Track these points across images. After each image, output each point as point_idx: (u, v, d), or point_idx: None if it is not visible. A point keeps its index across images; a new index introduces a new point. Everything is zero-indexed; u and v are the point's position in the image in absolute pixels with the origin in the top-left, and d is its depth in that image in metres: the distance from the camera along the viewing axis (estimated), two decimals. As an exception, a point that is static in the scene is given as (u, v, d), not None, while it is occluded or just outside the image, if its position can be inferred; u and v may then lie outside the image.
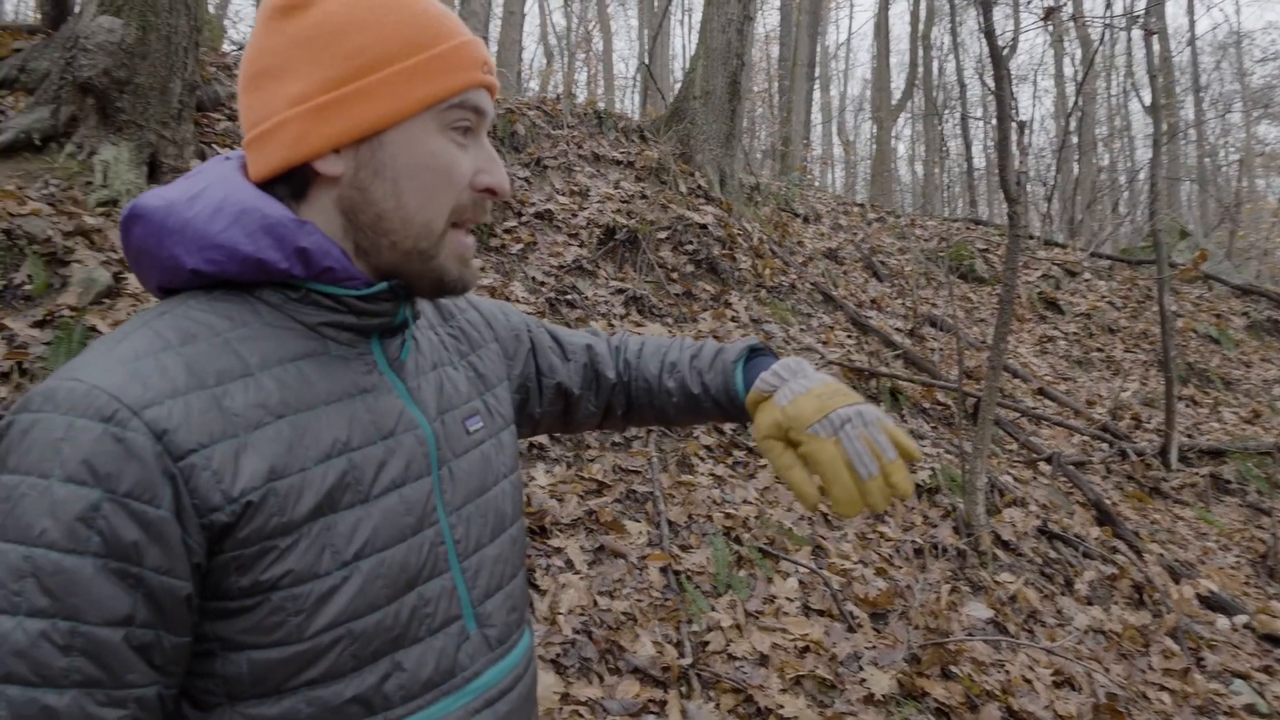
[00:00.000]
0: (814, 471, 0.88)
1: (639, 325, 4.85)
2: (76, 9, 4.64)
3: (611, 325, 4.73)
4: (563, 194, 5.84)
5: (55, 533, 0.61)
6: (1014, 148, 3.79)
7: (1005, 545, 4.06)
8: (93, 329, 3.09)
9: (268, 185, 0.77)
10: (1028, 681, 3.12)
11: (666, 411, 1.10)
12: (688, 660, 2.76)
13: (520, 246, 5.07)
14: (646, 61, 13.52)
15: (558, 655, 2.65)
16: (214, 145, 4.45)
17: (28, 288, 3.20)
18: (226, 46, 7.63)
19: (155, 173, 3.94)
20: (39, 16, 5.19)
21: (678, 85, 7.66)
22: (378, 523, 0.74)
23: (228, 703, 0.70)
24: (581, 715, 2.45)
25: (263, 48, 0.76)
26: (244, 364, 0.71)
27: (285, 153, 0.74)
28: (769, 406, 0.94)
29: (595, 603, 2.91)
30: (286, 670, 0.70)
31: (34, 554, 0.61)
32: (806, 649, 2.97)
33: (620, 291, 5.11)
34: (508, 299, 4.51)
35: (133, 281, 3.37)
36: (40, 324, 3.09)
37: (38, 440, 0.63)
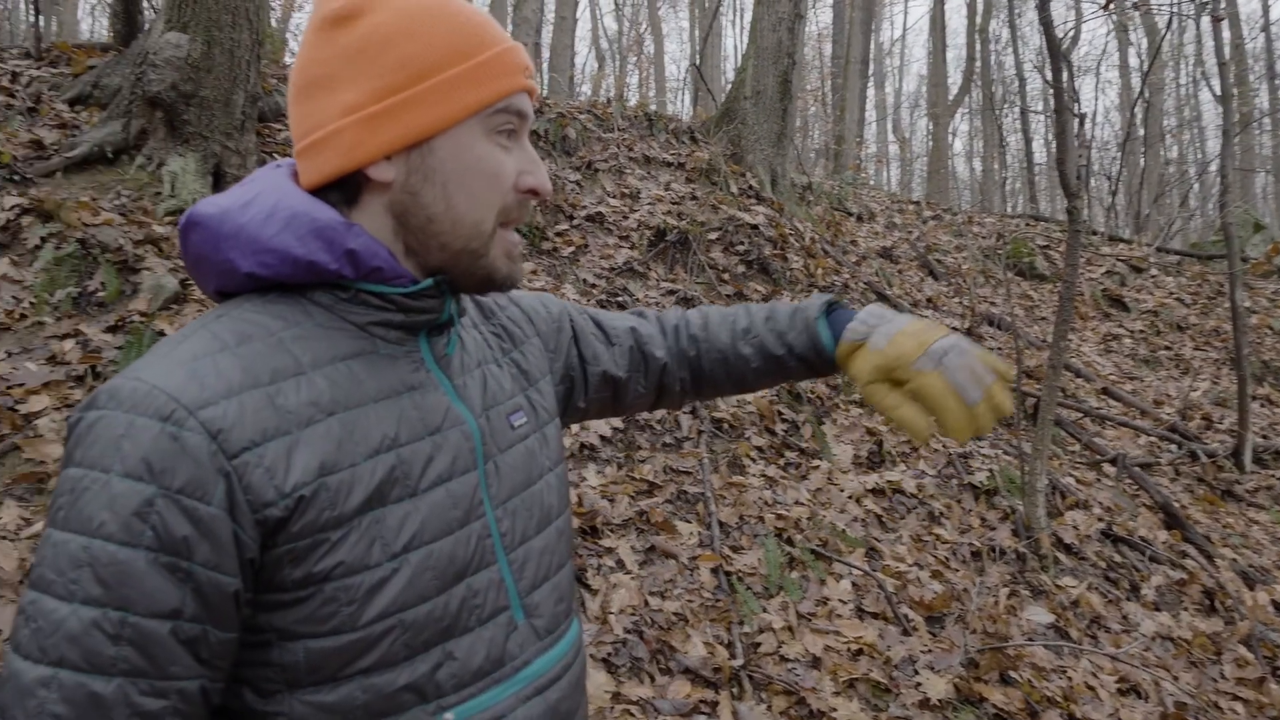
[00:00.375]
0: (922, 404, 0.95)
1: (690, 326, 4.85)
2: (146, 26, 4.83)
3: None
4: (614, 196, 5.87)
5: (112, 525, 0.64)
6: (1073, 141, 3.69)
7: (1067, 549, 3.95)
8: (161, 333, 3.21)
9: (320, 192, 0.79)
10: (1091, 689, 3.04)
11: (745, 378, 1.12)
12: (739, 661, 2.75)
13: (571, 249, 5.11)
14: (696, 63, 13.50)
15: (609, 654, 2.67)
16: (275, 154, 4.58)
17: (101, 294, 3.34)
18: (288, 59, 7.84)
19: (219, 182, 4.08)
20: (112, 35, 5.41)
21: (729, 86, 7.64)
22: (425, 516, 0.76)
23: (287, 690, 0.73)
24: (633, 715, 2.46)
25: (314, 58, 0.78)
26: (297, 363, 0.73)
27: (339, 160, 0.76)
28: (864, 353, 0.99)
29: (646, 603, 2.92)
30: (341, 659, 0.72)
31: (92, 545, 0.64)
32: (860, 652, 2.94)
33: (671, 293, 5.11)
34: (559, 301, 4.55)
35: (197, 287, 3.49)
36: (112, 329, 3.22)
37: (101, 436, 0.66)
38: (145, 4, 5.42)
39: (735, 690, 2.67)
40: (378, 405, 0.76)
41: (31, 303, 3.22)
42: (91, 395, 0.69)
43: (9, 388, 2.88)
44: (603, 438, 3.73)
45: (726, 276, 5.50)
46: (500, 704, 0.80)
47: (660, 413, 4.01)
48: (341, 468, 0.72)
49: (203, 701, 0.69)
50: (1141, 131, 15.30)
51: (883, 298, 6.33)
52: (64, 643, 0.63)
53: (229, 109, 4.11)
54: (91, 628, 0.63)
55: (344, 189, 0.79)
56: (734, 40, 28.74)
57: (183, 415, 0.66)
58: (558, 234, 5.21)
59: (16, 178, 3.72)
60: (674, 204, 5.89)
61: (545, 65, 14.89)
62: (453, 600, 0.77)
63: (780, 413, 4.33)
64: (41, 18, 5.07)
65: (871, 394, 0.97)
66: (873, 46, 21.70)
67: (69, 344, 3.09)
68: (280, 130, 4.84)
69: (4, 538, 2.41)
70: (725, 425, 4.09)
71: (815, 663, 2.85)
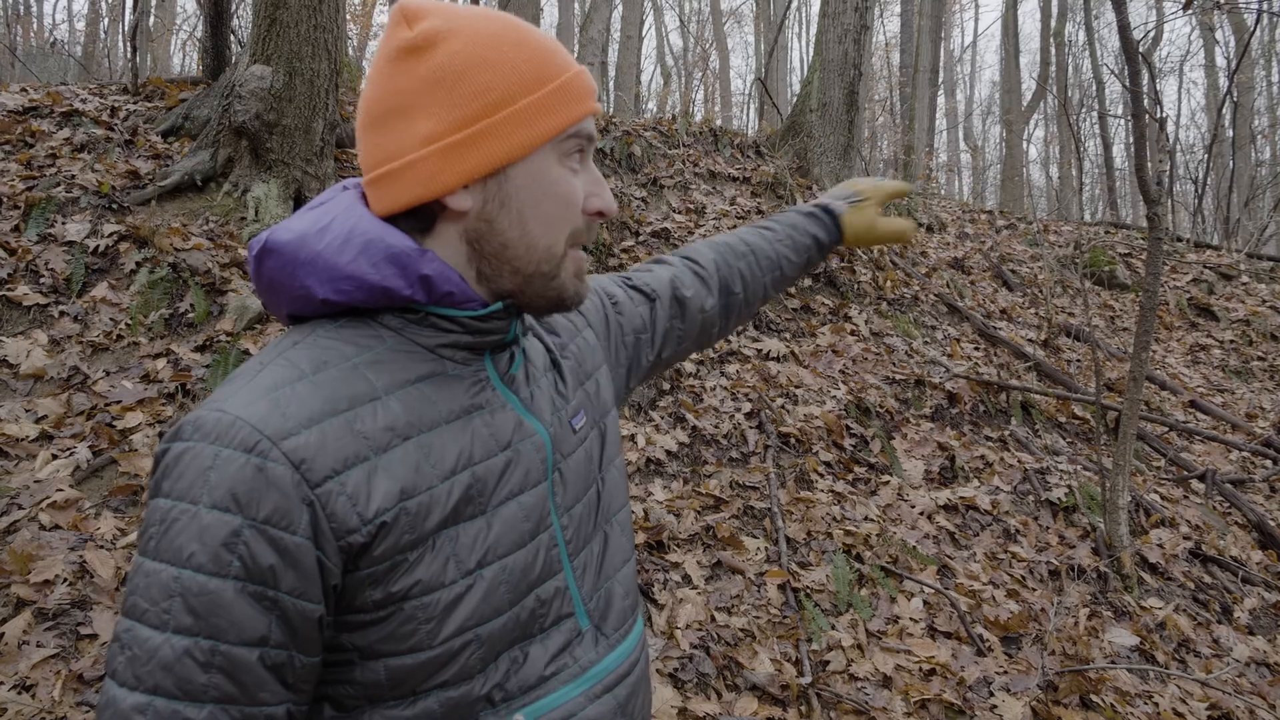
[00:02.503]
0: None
1: (756, 341, 4.83)
2: (233, 60, 5.08)
3: (729, 340, 4.74)
4: (679, 212, 5.90)
5: (201, 556, 0.66)
6: (1151, 145, 3.57)
7: (1152, 568, 3.80)
8: (246, 352, 3.36)
9: (393, 219, 0.80)
10: (1179, 715, 2.91)
11: (768, 294, 1.32)
12: (807, 679, 2.72)
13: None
14: (761, 77, 13.48)
15: (675, 670, 2.67)
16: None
17: (191, 315, 3.51)
18: (364, 86, 8.11)
19: (300, 207, 4.25)
20: (201, 69, 5.70)
21: (794, 99, 7.61)
22: (499, 531, 0.78)
23: (368, 706, 0.75)
24: (699, 730, 2.46)
25: (389, 88, 0.78)
26: (372, 388, 0.75)
27: (418, 190, 0.77)
28: (855, 210, 1.36)
29: (713, 618, 2.91)
30: (421, 674, 0.74)
31: (182, 575, 0.66)
32: (932, 672, 2.87)
33: (736, 307, 5.10)
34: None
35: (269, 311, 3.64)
36: (201, 348, 3.38)
37: (188, 468, 0.68)
38: (233, 39, 5.70)
39: (803, 709, 2.64)
40: (450, 426, 0.77)
41: (127, 324, 3.41)
42: (176, 427, 0.71)
43: (107, 404, 3.05)
44: (669, 452, 3.74)
45: (793, 290, 5.47)
46: (570, 702, 0.81)
47: (726, 428, 4.01)
48: (420, 491, 0.73)
49: None
50: (1230, 133, 14.64)
51: (954, 310, 6.20)
52: (158, 671, 0.65)
53: (309, 136, 4.29)
54: (184, 656, 0.65)
55: (419, 217, 0.79)
56: (799, 53, 28.62)
57: (267, 446, 0.68)
58: (624, 250, 5.27)
59: (115, 206, 3.94)
60: (739, 218, 5.89)
61: (611, 84, 15.06)
62: (524, 612, 0.79)
63: (848, 427, 4.28)
64: (138, 55, 5.37)
65: (873, 224, 1.35)
66: (942, 54, 21.32)
67: (161, 363, 3.26)
68: (356, 155, 5.02)
69: (101, 547, 2.55)
70: (792, 440, 4.06)
71: (886, 682, 2.80)
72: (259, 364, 0.76)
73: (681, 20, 28.21)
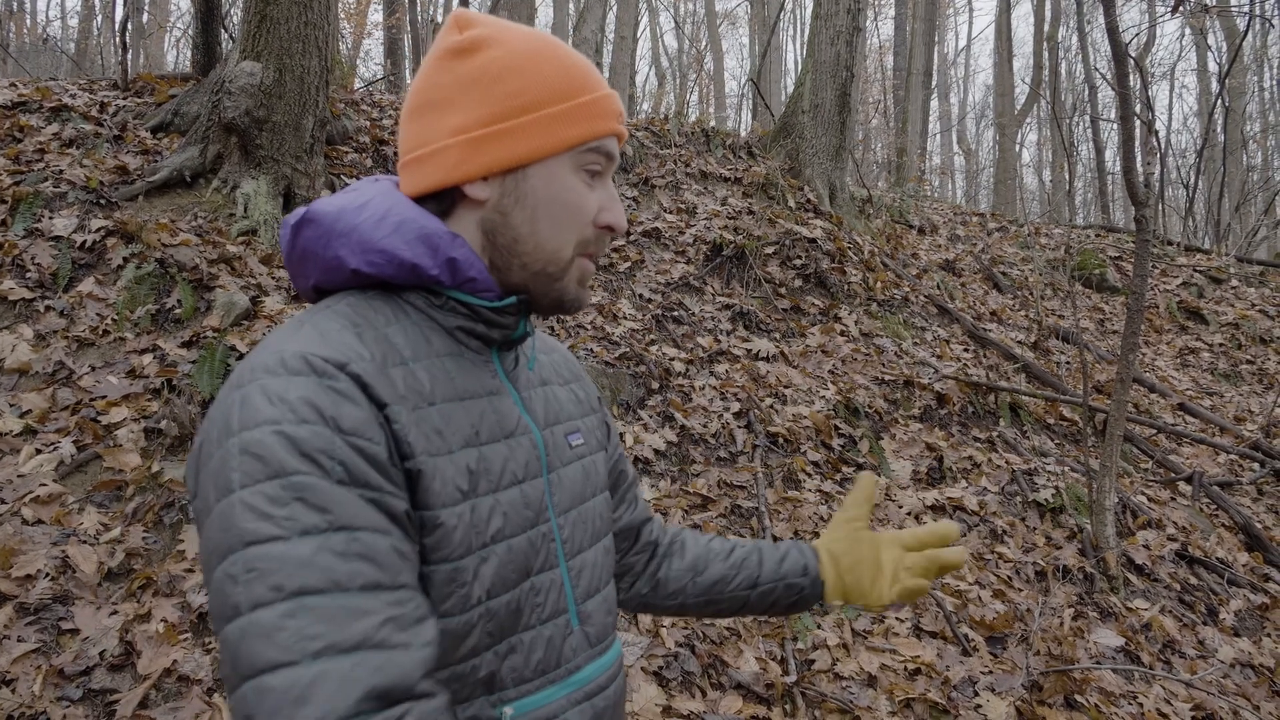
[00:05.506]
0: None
1: (746, 341, 4.84)
2: (224, 56, 5.06)
3: (718, 340, 4.74)
4: (670, 212, 5.90)
5: (302, 464, 0.66)
6: (1139, 147, 3.58)
7: (1138, 569, 3.81)
8: (232, 348, 3.35)
9: (419, 201, 0.86)
10: (1164, 716, 2.92)
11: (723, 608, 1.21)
12: (792, 678, 2.72)
13: (628, 265, 5.15)
14: (754, 78, 13.49)
15: (660, 668, 2.67)
16: (342, 176, 4.74)
17: (178, 311, 3.50)
18: (357, 84, 8.10)
19: (290, 203, 4.24)
20: (193, 65, 5.68)
21: (788, 100, 7.63)
22: (507, 511, 0.81)
23: None
24: (683, 728, 2.46)
25: (432, 83, 0.85)
26: (400, 354, 0.79)
27: (442, 175, 0.84)
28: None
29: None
30: (448, 642, 0.76)
31: (292, 481, 0.65)
32: (917, 671, 2.88)
33: (727, 307, 5.11)
34: (615, 316, 4.59)
35: (268, 304, 3.63)
36: (187, 344, 3.37)
37: (263, 400, 0.69)
38: (224, 35, 5.68)
39: (788, 707, 2.64)
40: (464, 403, 0.82)
41: (114, 319, 3.39)
42: (227, 383, 0.73)
43: (92, 400, 3.03)
44: (657, 451, 3.74)
45: (783, 291, 5.48)
46: (553, 704, 0.84)
47: (715, 428, 4.01)
48: (441, 453, 0.77)
49: (430, 610, 0.71)
50: (1221, 138, 14.71)
51: (944, 311, 6.22)
52: (299, 570, 0.63)
53: (299, 133, 4.28)
54: (320, 550, 0.64)
55: (441, 201, 0.86)
56: (794, 55, 28.66)
57: (334, 370, 0.71)
58: (614, 249, 5.26)
59: (103, 201, 3.93)
60: (730, 219, 5.89)
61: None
62: (523, 595, 0.82)
63: (837, 427, 4.29)
64: (129, 51, 5.36)
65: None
66: (936, 58, 21.38)
67: (147, 358, 3.25)
68: (347, 153, 5.01)
69: (84, 542, 2.54)
70: (780, 440, 4.07)
71: (871, 681, 2.81)
72: (298, 323, 0.78)
73: (676, 22, 28.23)
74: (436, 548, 0.74)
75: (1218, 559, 4.03)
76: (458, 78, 0.83)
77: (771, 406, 4.27)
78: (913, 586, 1.10)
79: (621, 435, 3.75)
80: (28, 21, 19.16)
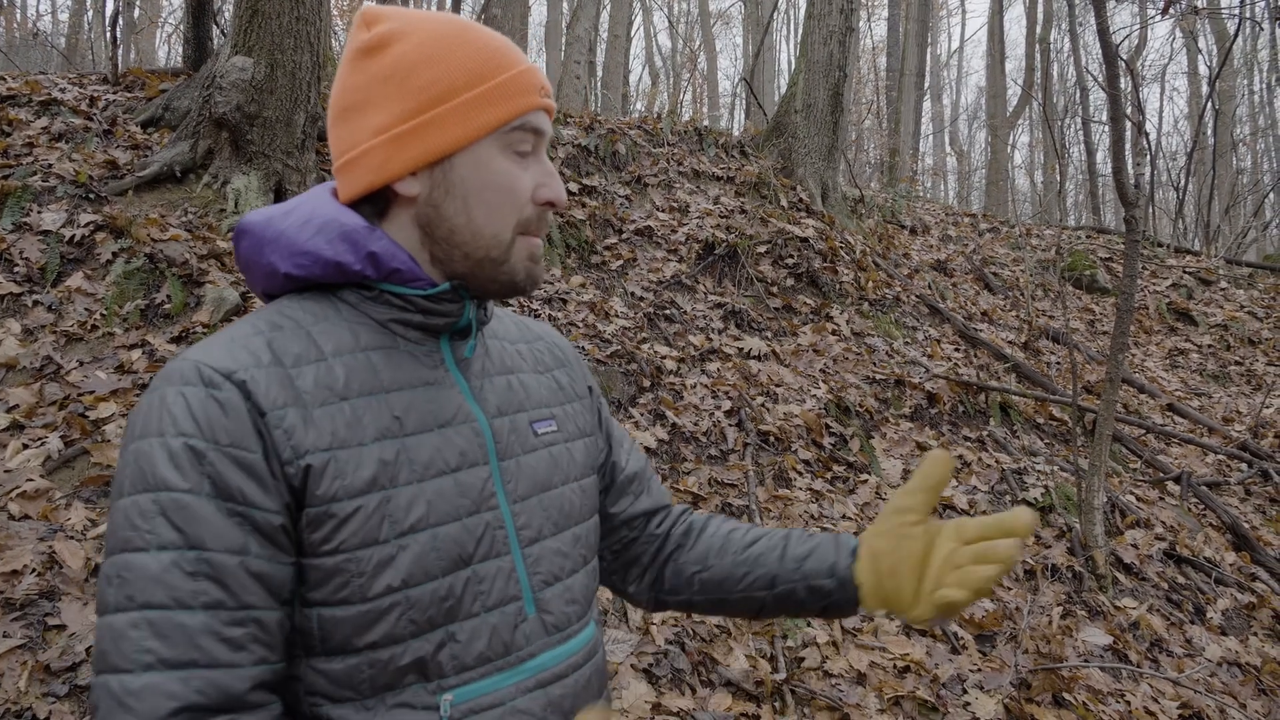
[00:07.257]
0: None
1: (737, 339, 4.84)
2: (216, 51, 5.04)
3: (710, 339, 4.74)
4: (662, 210, 5.90)
5: (175, 478, 0.71)
6: (1129, 148, 3.60)
7: (1126, 568, 3.83)
8: (222, 344, 3.33)
9: (355, 206, 0.87)
10: (1151, 714, 2.94)
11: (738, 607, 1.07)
12: (781, 675, 2.72)
13: (620, 263, 5.15)
14: (747, 77, 13.50)
15: (650, 665, 2.67)
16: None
17: (167, 306, 3.48)
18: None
19: (281, 199, 4.22)
20: (184, 60, 5.66)
21: (781, 100, 7.64)
22: (432, 500, 0.81)
23: (303, 655, 0.78)
24: (673, 725, 2.46)
25: (348, 85, 0.86)
26: (318, 350, 0.81)
27: (370, 177, 0.84)
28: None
29: (689, 614, 2.91)
30: (349, 629, 0.77)
31: (160, 496, 0.71)
32: (906, 669, 2.89)
33: (719, 306, 5.12)
34: (607, 314, 4.59)
35: (257, 300, 3.61)
36: (177, 339, 3.35)
37: (158, 409, 0.74)
38: (215, 30, 5.65)
39: (777, 705, 2.64)
40: (390, 395, 0.82)
41: (102, 314, 3.37)
42: (155, 376, 0.79)
43: (80, 395, 3.01)
44: (648, 449, 3.74)
45: (775, 290, 5.48)
46: (500, 691, 0.82)
47: (706, 426, 4.01)
48: (348, 446, 0.78)
49: (278, 631, 0.75)
50: (1212, 140, 14.79)
51: (935, 311, 6.24)
52: (148, 585, 0.69)
53: (290, 129, 4.26)
54: (171, 567, 0.70)
55: (375, 203, 0.87)
56: (787, 55, 28.70)
57: (220, 379, 0.75)
58: (606, 248, 5.26)
59: (92, 196, 3.90)
60: (723, 218, 5.89)
61: (599, 83, 15.05)
62: (457, 583, 0.81)
63: (828, 426, 4.29)
64: (119, 46, 5.33)
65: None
66: (929, 59, 21.42)
67: (136, 354, 3.23)
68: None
69: (71, 538, 2.52)
70: (772, 438, 4.07)
71: (860, 679, 2.81)
72: (226, 329, 0.84)
73: (670, 21, 28.24)
74: (326, 540, 0.76)
75: (1205, 558, 4.05)
76: (371, 77, 0.84)
77: (763, 405, 4.27)
78: (952, 599, 0.87)
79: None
80: (18, 16, 19.04)
